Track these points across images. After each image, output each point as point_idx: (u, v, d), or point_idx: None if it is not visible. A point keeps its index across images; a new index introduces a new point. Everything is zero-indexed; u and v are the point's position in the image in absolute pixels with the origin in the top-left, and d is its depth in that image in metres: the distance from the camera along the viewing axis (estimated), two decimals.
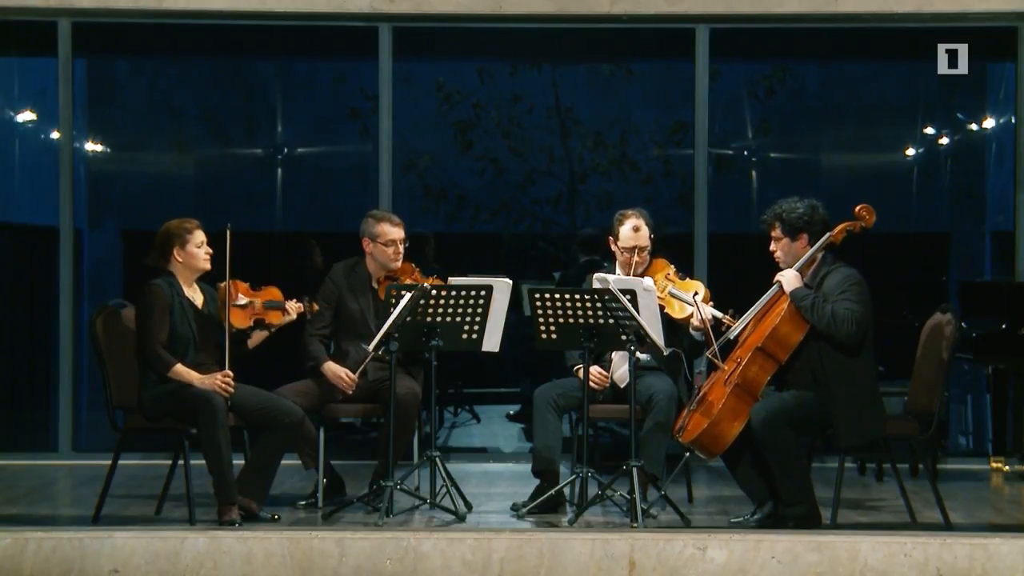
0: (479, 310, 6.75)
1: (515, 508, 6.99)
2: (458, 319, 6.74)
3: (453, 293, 6.71)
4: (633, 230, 7.15)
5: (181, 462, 6.71)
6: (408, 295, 6.60)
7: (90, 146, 10.49)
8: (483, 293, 6.73)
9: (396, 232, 7.24)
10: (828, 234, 6.60)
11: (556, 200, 11.40)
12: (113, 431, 6.81)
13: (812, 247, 6.59)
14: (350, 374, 7.09)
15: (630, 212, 7.21)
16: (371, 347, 6.72)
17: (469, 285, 6.76)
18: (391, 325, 6.62)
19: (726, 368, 6.54)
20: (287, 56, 10.24)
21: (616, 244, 7.21)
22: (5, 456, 8.96)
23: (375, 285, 7.31)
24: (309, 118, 10.80)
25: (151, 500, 7.07)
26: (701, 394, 6.60)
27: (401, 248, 7.28)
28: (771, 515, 6.59)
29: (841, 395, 6.45)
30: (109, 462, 6.79)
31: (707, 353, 6.68)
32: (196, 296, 6.83)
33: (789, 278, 6.53)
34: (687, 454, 6.70)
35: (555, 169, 11.35)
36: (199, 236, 6.79)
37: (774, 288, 6.61)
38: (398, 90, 9.21)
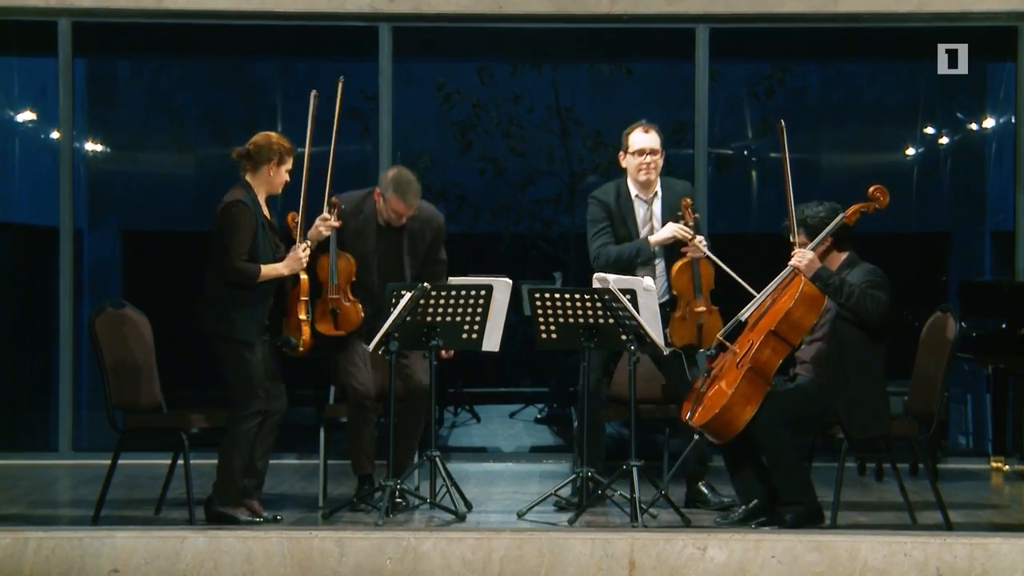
0: (479, 310, 6.75)
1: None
2: (458, 319, 6.74)
3: (453, 293, 6.71)
4: (643, 131, 7.21)
5: (181, 462, 6.72)
6: (408, 295, 6.60)
7: (90, 146, 10.49)
8: (483, 293, 6.73)
9: (406, 212, 7.08)
10: (841, 215, 6.56)
11: (556, 200, 11.40)
12: (113, 431, 6.81)
13: (828, 226, 6.58)
14: (325, 216, 6.98)
15: (636, 122, 7.29)
16: (371, 347, 6.72)
17: (469, 285, 6.76)
18: (391, 325, 6.62)
19: (737, 350, 6.51)
20: (287, 56, 10.24)
21: (627, 155, 7.23)
22: (5, 456, 8.96)
23: (380, 223, 7.17)
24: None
25: (151, 500, 7.07)
26: (712, 376, 6.56)
27: (406, 218, 7.17)
28: (757, 511, 6.56)
29: (854, 387, 6.45)
30: (109, 462, 6.79)
31: (718, 335, 6.66)
32: (269, 213, 6.73)
33: (807, 261, 6.48)
34: (695, 436, 6.65)
35: (555, 169, 11.35)
36: (291, 163, 6.72)
37: (786, 271, 6.55)
38: (398, 90, 9.21)
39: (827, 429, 6.60)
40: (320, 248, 7.03)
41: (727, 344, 6.60)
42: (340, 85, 7.12)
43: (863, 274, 6.54)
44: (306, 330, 6.71)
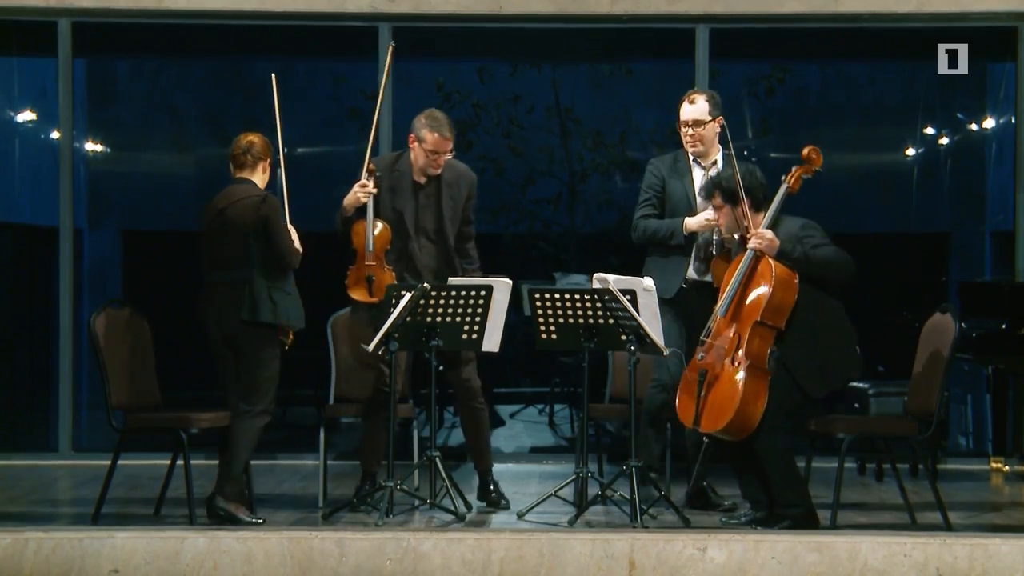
0: (479, 310, 6.75)
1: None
2: (458, 319, 6.74)
3: (453, 293, 6.71)
4: (689, 102, 7.13)
5: (181, 462, 6.72)
6: (408, 295, 6.60)
7: (90, 146, 10.49)
8: (483, 293, 6.73)
9: (443, 146, 7.10)
10: (785, 185, 6.54)
11: (556, 200, 11.39)
12: (113, 431, 6.81)
13: (774, 197, 6.55)
14: (363, 182, 7.07)
15: (693, 90, 7.26)
16: (371, 347, 6.72)
17: (469, 285, 6.76)
18: (391, 325, 6.62)
19: (726, 347, 6.44)
20: (287, 56, 10.24)
21: (679, 124, 7.20)
22: (5, 456, 8.96)
23: (418, 180, 7.19)
24: (309, 118, 10.80)
25: (151, 500, 7.06)
26: (707, 380, 6.45)
27: (443, 159, 7.14)
28: (762, 518, 6.57)
29: (804, 348, 6.41)
30: (109, 462, 6.79)
31: (702, 336, 6.55)
32: None
33: (768, 241, 6.43)
34: (704, 440, 6.62)
35: (555, 169, 11.34)
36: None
37: (747, 256, 6.49)
38: (398, 90, 9.21)
39: (814, 408, 6.58)
40: (356, 215, 7.10)
41: (711, 343, 6.56)
42: (390, 50, 7.26)
43: (798, 227, 6.49)
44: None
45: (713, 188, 6.65)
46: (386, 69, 7.30)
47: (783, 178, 6.60)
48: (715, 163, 7.15)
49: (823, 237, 6.50)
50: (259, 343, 6.68)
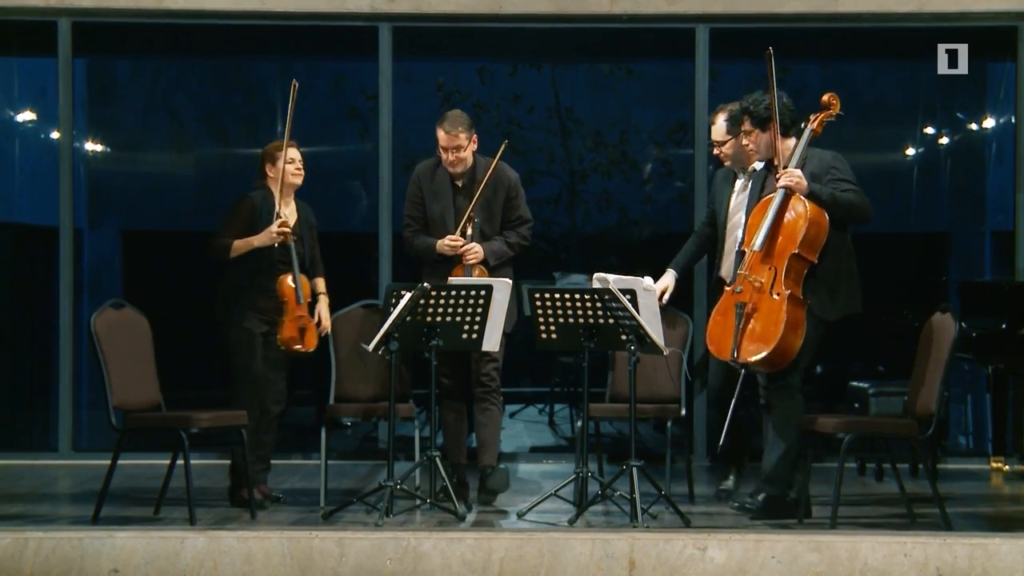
0: (479, 310, 6.75)
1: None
2: (458, 319, 6.74)
3: (453, 293, 6.71)
4: (711, 122, 7.33)
5: (181, 461, 6.71)
6: (408, 295, 6.61)
7: (90, 146, 10.49)
8: (483, 293, 6.73)
9: (448, 141, 7.18)
10: (809, 129, 6.63)
11: (556, 200, 11.39)
12: (113, 431, 6.81)
13: (799, 141, 6.63)
14: (453, 238, 7.14)
15: (720, 106, 7.34)
16: (371, 347, 6.72)
17: (469, 285, 6.77)
18: (391, 325, 6.62)
19: (763, 280, 6.48)
20: (287, 56, 10.25)
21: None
22: (5, 456, 8.96)
23: (456, 182, 7.26)
24: (309, 118, 10.80)
25: (151, 500, 7.06)
26: (746, 312, 6.49)
27: (453, 156, 7.17)
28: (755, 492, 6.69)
29: (822, 271, 6.53)
30: (109, 462, 6.79)
31: (739, 271, 6.61)
32: (291, 213, 7.18)
33: (797, 180, 6.49)
34: (741, 371, 6.60)
35: (555, 169, 11.34)
36: (289, 153, 7.15)
37: (780, 195, 6.53)
38: (398, 90, 9.21)
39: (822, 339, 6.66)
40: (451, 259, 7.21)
41: (745, 276, 6.56)
42: (502, 148, 7.30)
43: (826, 160, 6.62)
44: (311, 333, 7.18)
45: (742, 114, 6.76)
46: (492, 165, 7.25)
47: (804, 124, 6.68)
48: (754, 171, 7.09)
49: (852, 176, 6.61)
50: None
